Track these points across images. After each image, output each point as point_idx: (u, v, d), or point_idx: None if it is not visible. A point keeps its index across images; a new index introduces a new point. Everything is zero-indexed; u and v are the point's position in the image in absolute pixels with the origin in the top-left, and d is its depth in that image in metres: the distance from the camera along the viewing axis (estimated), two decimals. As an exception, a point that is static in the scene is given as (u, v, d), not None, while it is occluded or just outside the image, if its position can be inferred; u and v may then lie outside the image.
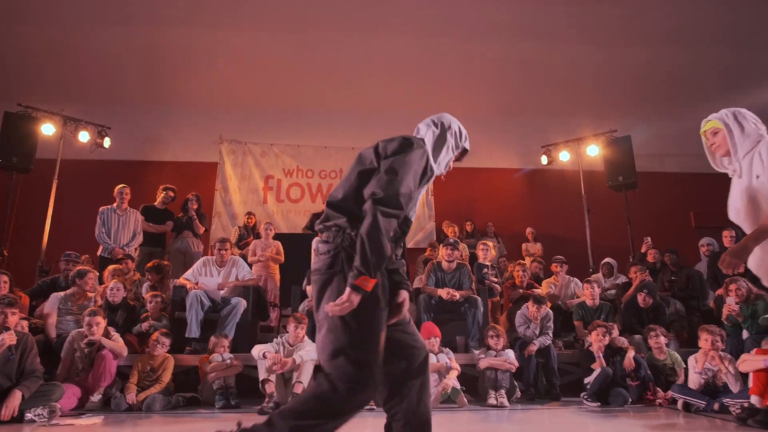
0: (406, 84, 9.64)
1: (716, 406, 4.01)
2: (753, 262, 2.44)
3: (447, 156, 2.06)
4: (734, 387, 4.02)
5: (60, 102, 8.18)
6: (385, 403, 1.91)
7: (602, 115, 9.71)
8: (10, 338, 3.62)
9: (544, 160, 9.53)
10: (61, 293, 5.07)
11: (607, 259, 7.18)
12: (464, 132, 2.13)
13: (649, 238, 7.75)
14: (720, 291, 5.41)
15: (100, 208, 6.49)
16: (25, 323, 4.44)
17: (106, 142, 8.47)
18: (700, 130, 2.64)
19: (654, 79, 9.60)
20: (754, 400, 3.63)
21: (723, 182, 2.79)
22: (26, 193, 7.92)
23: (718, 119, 2.54)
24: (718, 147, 2.56)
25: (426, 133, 2.06)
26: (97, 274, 5.70)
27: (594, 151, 9.08)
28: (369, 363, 1.72)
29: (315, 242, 6.65)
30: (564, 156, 9.42)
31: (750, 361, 3.78)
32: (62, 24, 8.20)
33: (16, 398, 3.53)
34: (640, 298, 5.68)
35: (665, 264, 6.83)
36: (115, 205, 6.51)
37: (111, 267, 5.70)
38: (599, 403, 4.48)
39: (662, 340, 4.86)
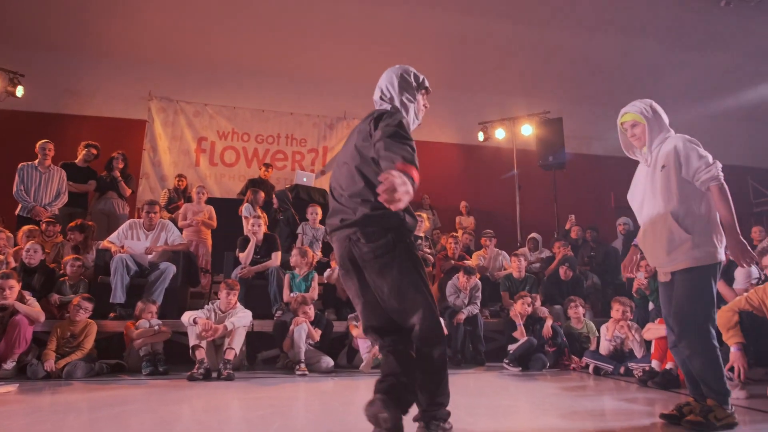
0: (347, 51, 9.46)
1: (622, 369, 4.41)
2: (646, 245, 2.70)
3: (413, 111, 2.29)
4: (638, 353, 4.43)
5: (-37, 43, 7.37)
6: (386, 337, 2.17)
7: (537, 96, 10.08)
8: None
9: (480, 136, 9.78)
10: (-33, 254, 4.68)
11: (532, 234, 7.56)
12: (410, 79, 2.32)
13: (573, 216, 8.22)
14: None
15: (20, 164, 5.98)
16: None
17: (19, 91, 7.77)
18: (618, 120, 2.81)
19: (585, 65, 10.03)
20: (655, 364, 4.03)
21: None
22: None
23: (638, 113, 2.71)
24: (637, 139, 2.75)
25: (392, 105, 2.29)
26: (11, 235, 5.29)
27: (528, 130, 9.43)
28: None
29: (245, 210, 6.41)
30: (500, 134, 9.72)
31: (653, 330, 4.16)
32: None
33: None
34: (561, 271, 6.05)
35: (586, 240, 7.30)
36: (36, 162, 6.02)
37: (26, 228, 5.30)
38: (520, 368, 4.79)
39: (580, 310, 5.23)
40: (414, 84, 2.30)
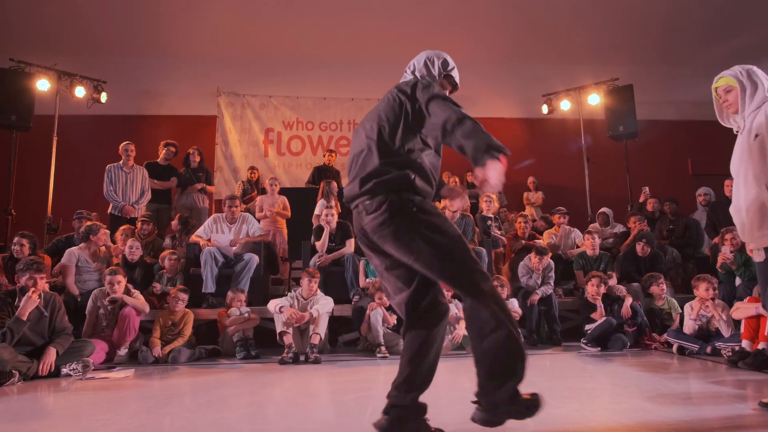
0: (404, 32, 9.37)
1: (708, 349, 4.27)
2: (736, 219, 2.59)
3: None
4: (726, 332, 4.28)
5: (52, 55, 7.99)
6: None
7: (604, 63, 9.62)
8: (35, 297, 3.75)
9: (544, 109, 9.51)
10: (76, 249, 5.12)
11: (603, 209, 7.35)
12: (432, 66, 2.20)
13: (647, 188, 7.89)
14: (716, 239, 5.62)
15: (107, 166, 6.47)
16: (46, 285, 4.57)
17: (103, 97, 8.35)
18: (713, 86, 2.69)
19: (656, 24, 9.39)
20: (745, 344, 3.88)
21: (720, 130, 2.91)
22: (26, 151, 7.87)
23: (732, 77, 2.59)
24: (729, 105, 2.63)
25: None
26: (108, 231, 5.78)
27: (595, 99, 9.06)
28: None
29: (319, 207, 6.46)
30: (565, 105, 9.40)
31: (743, 309, 4.01)
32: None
33: (51, 355, 3.74)
34: (638, 247, 5.88)
35: (664, 213, 7.01)
36: (121, 162, 6.50)
37: (122, 227, 5.79)
38: (599, 348, 4.76)
39: (664, 287, 5.09)
40: (434, 72, 2.19)
